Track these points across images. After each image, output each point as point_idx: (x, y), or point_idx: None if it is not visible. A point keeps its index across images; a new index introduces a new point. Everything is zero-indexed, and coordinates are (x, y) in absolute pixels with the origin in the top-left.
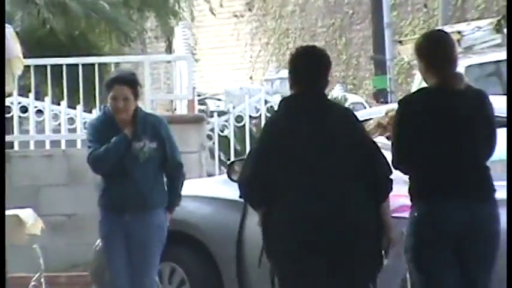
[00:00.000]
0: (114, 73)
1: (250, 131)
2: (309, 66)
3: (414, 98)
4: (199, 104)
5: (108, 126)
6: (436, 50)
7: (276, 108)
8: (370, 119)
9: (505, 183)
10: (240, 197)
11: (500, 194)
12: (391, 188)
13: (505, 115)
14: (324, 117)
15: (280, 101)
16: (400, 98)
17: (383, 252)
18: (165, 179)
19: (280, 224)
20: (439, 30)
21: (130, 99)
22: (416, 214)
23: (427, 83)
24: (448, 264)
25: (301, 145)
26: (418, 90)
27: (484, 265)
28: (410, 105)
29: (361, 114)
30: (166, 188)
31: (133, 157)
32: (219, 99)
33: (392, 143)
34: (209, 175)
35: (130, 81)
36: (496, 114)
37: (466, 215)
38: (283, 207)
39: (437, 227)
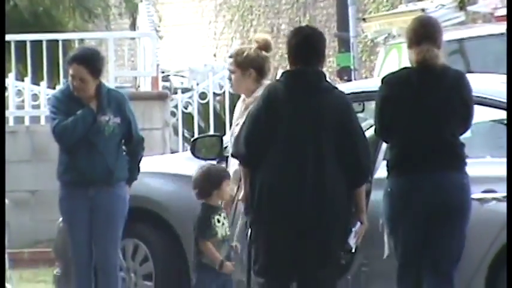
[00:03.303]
0: (75, 50)
1: (214, 107)
2: (307, 45)
3: (395, 78)
4: (163, 81)
5: (71, 99)
6: (416, 29)
7: None
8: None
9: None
10: (232, 155)
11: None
12: (369, 175)
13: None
14: (318, 96)
15: (282, 73)
16: (382, 76)
17: (353, 235)
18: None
19: (262, 190)
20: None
21: (86, 79)
22: (389, 189)
23: (410, 61)
24: (421, 233)
25: (292, 118)
26: (399, 70)
27: (453, 232)
28: (391, 85)
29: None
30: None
31: (99, 131)
32: (183, 76)
33: (375, 117)
34: (173, 152)
35: (86, 61)
36: None
37: (434, 185)
38: (266, 174)
39: (409, 199)
